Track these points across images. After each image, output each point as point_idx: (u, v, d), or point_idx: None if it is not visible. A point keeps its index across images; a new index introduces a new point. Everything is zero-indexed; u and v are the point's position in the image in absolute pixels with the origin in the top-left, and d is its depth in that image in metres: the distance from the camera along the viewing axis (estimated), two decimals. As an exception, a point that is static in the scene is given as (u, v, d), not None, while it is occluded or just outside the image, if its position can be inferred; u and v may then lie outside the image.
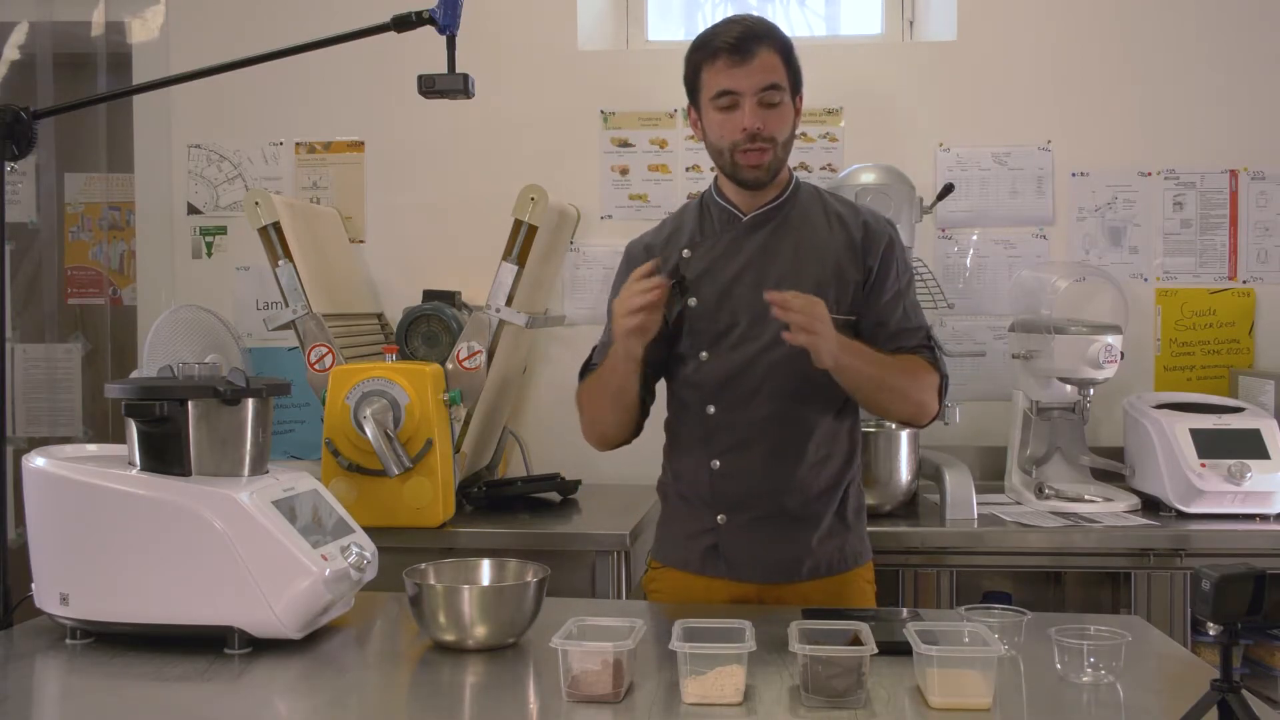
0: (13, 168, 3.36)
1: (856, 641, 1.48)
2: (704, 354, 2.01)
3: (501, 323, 2.73)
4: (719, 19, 2.02)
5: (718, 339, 2.01)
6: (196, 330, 2.83)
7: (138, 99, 3.30)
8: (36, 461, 1.76)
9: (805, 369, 1.97)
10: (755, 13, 2.28)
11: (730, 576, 2.03)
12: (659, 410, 2.12)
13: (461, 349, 2.72)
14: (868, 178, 2.80)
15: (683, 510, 2.08)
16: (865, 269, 2.03)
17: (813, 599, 2.00)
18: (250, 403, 1.78)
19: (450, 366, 2.70)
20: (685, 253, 2.05)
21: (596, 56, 3.26)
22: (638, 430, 2.10)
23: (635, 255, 2.11)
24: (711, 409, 2.02)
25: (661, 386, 2.12)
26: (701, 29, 2.02)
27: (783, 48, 1.98)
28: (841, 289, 2.01)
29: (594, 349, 2.15)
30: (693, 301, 2.02)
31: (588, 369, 2.12)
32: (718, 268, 2.03)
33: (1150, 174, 3.14)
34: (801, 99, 2.04)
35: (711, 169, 2.10)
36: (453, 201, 3.26)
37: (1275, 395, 2.82)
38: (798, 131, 2.07)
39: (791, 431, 2.00)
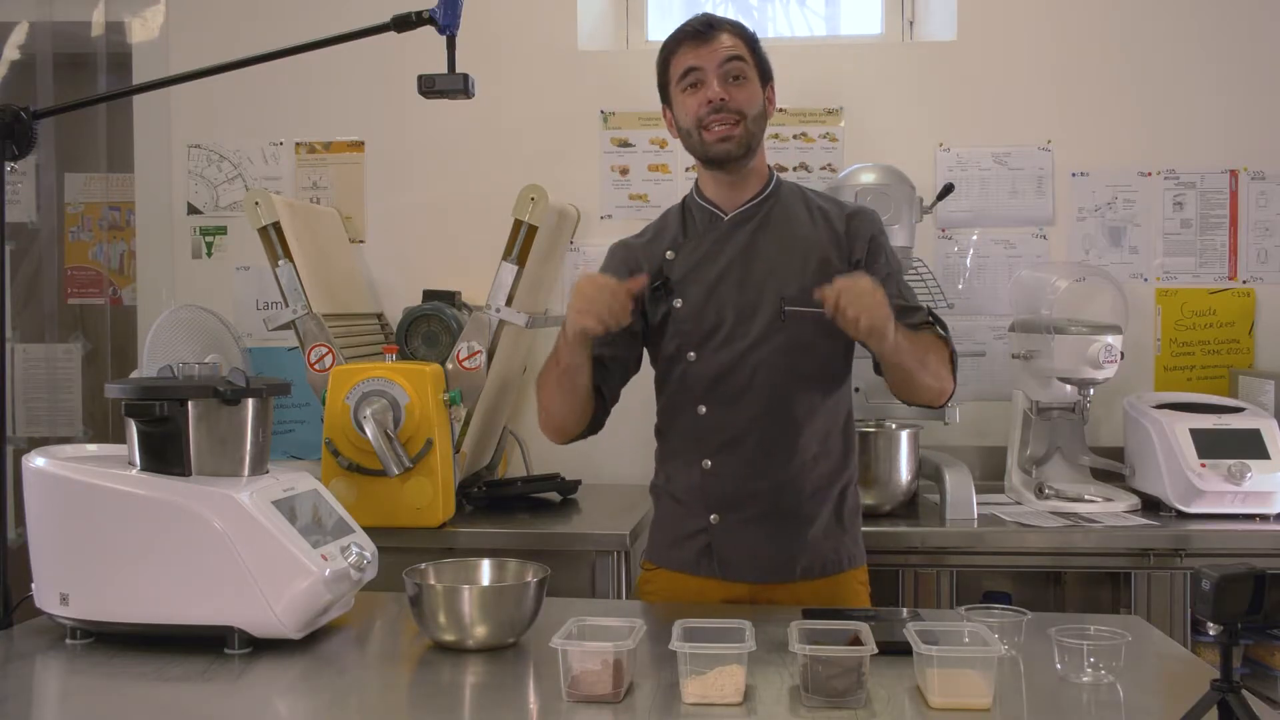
0: (13, 168, 3.36)
1: (856, 641, 1.48)
2: (691, 354, 2.01)
3: (501, 323, 2.73)
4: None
5: (704, 339, 2.00)
6: (196, 330, 2.83)
7: (137, 99, 3.30)
8: (36, 461, 1.76)
9: (793, 364, 1.97)
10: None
11: (724, 577, 2.02)
12: (651, 414, 2.12)
13: (461, 349, 2.72)
14: (868, 178, 2.80)
15: (676, 511, 2.08)
16: (852, 262, 2.02)
17: (806, 600, 1.99)
18: (250, 403, 1.78)
19: (450, 366, 2.70)
20: (669, 254, 2.05)
21: (596, 56, 3.26)
22: (596, 425, 2.09)
23: (614, 253, 2.13)
24: (703, 409, 2.01)
25: (649, 391, 2.12)
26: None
27: (746, 35, 2.03)
28: (827, 283, 2.00)
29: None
30: (678, 303, 2.02)
31: None
32: (702, 268, 2.03)
33: (1150, 174, 3.14)
34: (773, 91, 2.06)
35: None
36: (453, 201, 3.26)
37: (1275, 395, 2.82)
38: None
39: (782, 429, 1.99)
